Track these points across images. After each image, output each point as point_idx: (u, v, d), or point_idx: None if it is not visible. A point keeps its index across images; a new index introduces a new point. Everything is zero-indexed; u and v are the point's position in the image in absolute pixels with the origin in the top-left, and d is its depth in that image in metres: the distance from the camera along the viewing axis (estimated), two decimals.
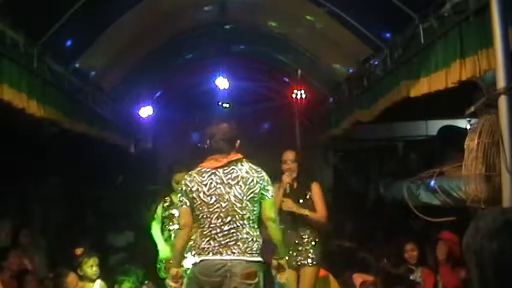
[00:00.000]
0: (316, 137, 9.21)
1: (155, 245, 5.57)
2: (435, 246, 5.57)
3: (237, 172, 3.74)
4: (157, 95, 9.40)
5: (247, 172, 3.76)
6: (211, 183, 3.72)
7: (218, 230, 3.67)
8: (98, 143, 7.21)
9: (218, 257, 3.63)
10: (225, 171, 3.74)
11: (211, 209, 3.69)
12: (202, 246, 3.68)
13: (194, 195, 3.73)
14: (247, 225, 3.70)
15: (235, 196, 3.69)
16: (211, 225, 3.68)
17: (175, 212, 5.34)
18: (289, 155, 5.19)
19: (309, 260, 5.02)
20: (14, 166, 6.72)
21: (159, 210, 5.54)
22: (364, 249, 7.20)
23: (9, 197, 6.94)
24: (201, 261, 3.67)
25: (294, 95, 8.46)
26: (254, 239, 3.70)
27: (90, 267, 5.58)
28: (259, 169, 3.83)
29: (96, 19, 5.18)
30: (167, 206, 5.53)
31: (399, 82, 4.92)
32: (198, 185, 3.74)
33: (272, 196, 3.90)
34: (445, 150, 5.56)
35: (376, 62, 5.75)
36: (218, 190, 3.70)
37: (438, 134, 7.18)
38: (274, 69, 9.22)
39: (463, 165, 3.45)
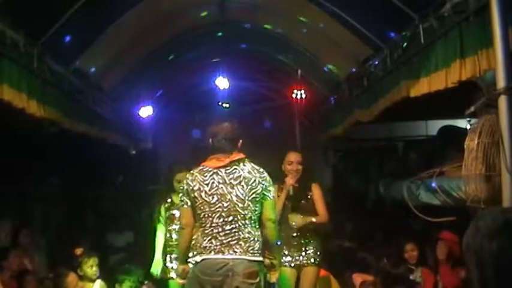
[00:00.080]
0: (316, 137, 9.22)
1: (154, 245, 5.59)
2: (435, 246, 5.57)
3: (239, 172, 3.74)
4: (158, 95, 9.40)
5: (249, 172, 3.75)
6: (213, 182, 3.72)
7: (220, 230, 3.66)
8: (98, 143, 7.21)
9: (220, 256, 3.62)
10: (227, 171, 3.74)
11: (212, 209, 3.69)
12: (204, 245, 3.67)
13: (196, 194, 3.72)
14: (249, 225, 3.70)
15: (237, 196, 3.69)
16: (213, 225, 3.68)
17: (175, 212, 5.34)
18: (295, 157, 5.14)
19: (310, 260, 5.02)
20: (14, 166, 6.72)
21: (163, 211, 5.55)
22: (364, 249, 7.20)
23: (9, 197, 6.94)
24: (203, 260, 3.65)
25: (294, 95, 8.46)
26: (255, 239, 3.70)
27: (90, 267, 5.58)
28: (261, 169, 3.83)
29: (96, 19, 5.18)
30: (168, 206, 5.53)
31: (399, 82, 4.92)
32: (200, 184, 3.73)
33: (273, 197, 3.90)
34: (445, 150, 5.56)
35: (376, 62, 5.75)
36: (220, 190, 3.70)
37: (438, 134, 7.18)
38: (274, 69, 9.22)
39: (463, 165, 3.46)
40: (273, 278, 4.20)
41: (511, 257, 1.51)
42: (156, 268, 5.54)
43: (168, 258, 5.44)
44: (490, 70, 3.33)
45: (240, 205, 3.68)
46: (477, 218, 1.64)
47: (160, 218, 5.55)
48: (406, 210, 4.90)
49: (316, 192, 5.11)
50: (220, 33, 7.60)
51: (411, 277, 5.74)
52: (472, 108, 3.46)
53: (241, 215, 3.68)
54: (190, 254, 3.93)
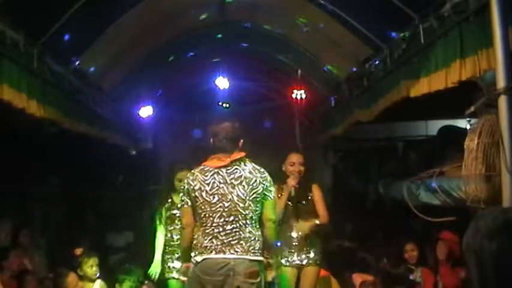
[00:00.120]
0: (316, 137, 9.21)
1: (154, 246, 5.59)
2: (435, 246, 5.57)
3: (240, 172, 3.74)
4: (158, 95, 9.40)
5: (250, 172, 3.75)
6: (214, 182, 3.72)
7: (221, 229, 3.66)
8: (98, 143, 7.20)
9: (221, 255, 3.62)
10: (228, 171, 3.74)
11: (213, 208, 3.69)
12: (205, 244, 3.67)
13: (197, 194, 3.72)
14: (250, 225, 3.70)
15: (238, 196, 3.69)
16: (214, 224, 3.68)
17: (175, 212, 5.34)
18: (297, 158, 5.13)
19: (311, 260, 5.02)
20: (14, 166, 6.72)
21: (163, 211, 5.55)
22: (364, 249, 7.20)
23: (9, 197, 6.94)
24: (203, 260, 3.65)
25: (294, 95, 8.45)
26: (256, 239, 3.71)
27: (90, 267, 5.58)
28: (262, 169, 3.83)
29: (96, 19, 5.18)
30: (168, 206, 5.53)
31: (399, 82, 4.92)
32: (201, 183, 3.73)
33: (274, 197, 3.90)
34: (445, 150, 5.56)
35: (376, 62, 5.75)
36: (221, 190, 3.70)
37: (438, 134, 7.18)
38: (274, 69, 9.22)
39: (463, 165, 3.45)
40: (269, 276, 4.23)
41: (511, 257, 1.51)
42: (154, 269, 5.54)
43: (168, 258, 5.44)
44: (490, 70, 3.33)
45: (241, 205, 3.68)
46: (477, 218, 1.64)
47: (161, 218, 5.55)
48: (406, 210, 4.90)
49: (316, 193, 5.12)
50: (220, 34, 7.60)
51: (411, 277, 5.74)
52: (472, 108, 3.46)
53: (242, 215, 3.68)
54: (192, 254, 3.92)
